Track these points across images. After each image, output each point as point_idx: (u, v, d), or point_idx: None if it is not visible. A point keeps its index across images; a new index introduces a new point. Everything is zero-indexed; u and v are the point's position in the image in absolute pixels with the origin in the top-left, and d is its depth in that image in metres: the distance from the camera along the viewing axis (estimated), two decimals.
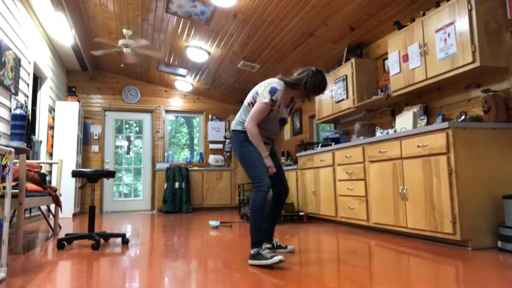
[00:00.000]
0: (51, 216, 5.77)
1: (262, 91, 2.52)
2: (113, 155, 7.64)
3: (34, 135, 5.32)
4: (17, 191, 2.91)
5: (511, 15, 2.99)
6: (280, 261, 2.20)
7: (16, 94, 4.14)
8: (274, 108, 2.53)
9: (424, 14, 3.55)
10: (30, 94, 4.74)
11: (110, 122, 7.68)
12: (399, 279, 1.91)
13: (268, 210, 2.75)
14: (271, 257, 2.23)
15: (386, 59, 4.39)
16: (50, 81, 5.85)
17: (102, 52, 5.60)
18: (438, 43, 3.24)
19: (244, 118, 2.59)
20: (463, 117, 3.14)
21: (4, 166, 2.11)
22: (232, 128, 2.66)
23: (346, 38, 4.63)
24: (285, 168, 5.96)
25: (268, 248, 2.71)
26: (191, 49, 5.70)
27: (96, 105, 7.53)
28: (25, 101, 4.56)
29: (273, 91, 2.47)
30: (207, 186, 7.40)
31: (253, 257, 2.31)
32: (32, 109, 4.99)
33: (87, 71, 7.29)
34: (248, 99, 2.61)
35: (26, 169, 3.02)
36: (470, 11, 2.95)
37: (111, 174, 3.21)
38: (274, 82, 2.54)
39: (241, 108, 2.67)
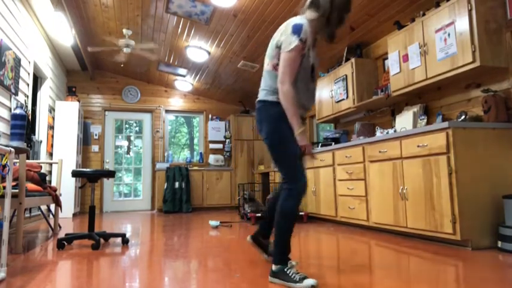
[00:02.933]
0: (51, 216, 5.77)
1: (284, 38, 1.94)
2: (113, 154, 7.64)
3: (34, 135, 5.32)
4: (17, 190, 2.91)
5: (511, 15, 2.99)
6: (313, 287, 1.74)
7: (16, 94, 4.14)
8: (306, 51, 1.96)
9: (424, 14, 3.55)
10: (30, 94, 4.74)
11: (109, 121, 7.68)
12: (399, 279, 1.91)
13: (272, 202, 2.27)
14: (301, 280, 1.77)
15: (386, 59, 4.39)
16: (50, 81, 5.85)
17: (99, 49, 5.56)
18: (438, 43, 3.24)
19: (275, 85, 1.97)
20: (463, 117, 3.14)
21: (4, 166, 2.11)
22: (260, 98, 2.04)
23: (346, 38, 4.63)
24: None
25: (258, 243, 2.34)
26: (191, 49, 5.70)
27: (96, 105, 7.53)
28: (25, 100, 4.56)
29: (297, 29, 1.91)
30: (207, 186, 7.40)
31: (276, 274, 1.89)
32: (32, 109, 4.99)
33: (87, 71, 7.29)
34: (270, 60, 2.03)
35: (26, 169, 3.02)
36: (470, 11, 2.95)
37: (111, 174, 3.21)
38: (293, 20, 1.98)
39: (264, 74, 2.07)
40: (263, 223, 2.34)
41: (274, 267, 1.91)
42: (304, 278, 1.77)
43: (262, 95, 2.04)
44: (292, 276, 1.80)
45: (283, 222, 1.93)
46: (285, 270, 1.85)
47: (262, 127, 2.01)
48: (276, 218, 1.94)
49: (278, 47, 1.97)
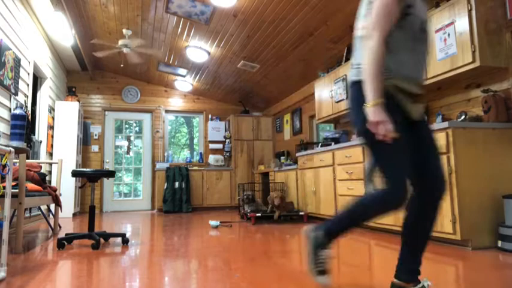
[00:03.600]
0: (51, 215, 5.77)
1: None
2: (113, 154, 7.64)
3: (34, 135, 5.32)
4: (17, 190, 2.91)
5: (511, 15, 2.99)
6: (325, 286, 1.64)
7: (16, 94, 4.14)
8: (409, 1, 1.47)
9: None
10: (30, 94, 4.74)
11: (109, 121, 7.68)
12: None
13: (408, 222, 1.58)
14: (320, 273, 1.62)
15: None
16: (50, 81, 5.85)
17: (105, 53, 5.59)
18: (438, 43, 3.25)
19: None
20: (463, 117, 3.15)
21: (4, 166, 2.11)
22: (352, 78, 1.59)
23: (346, 38, 4.63)
24: (284, 168, 5.95)
25: None
26: (191, 49, 5.71)
27: (96, 105, 7.53)
28: (25, 101, 4.56)
29: None
30: (207, 186, 7.40)
31: (312, 239, 1.68)
32: (31, 109, 4.99)
33: (87, 71, 7.29)
34: (362, 21, 1.55)
35: (25, 169, 3.02)
36: (470, 11, 2.95)
37: (111, 174, 3.21)
38: None
39: (356, 44, 1.61)
40: (402, 257, 1.59)
41: (317, 231, 1.67)
42: (324, 272, 1.61)
43: (353, 74, 1.58)
44: (318, 260, 1.62)
45: (358, 214, 1.57)
46: (321, 248, 1.64)
47: (356, 116, 1.54)
48: (352, 205, 1.59)
49: (371, 1, 1.49)
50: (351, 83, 1.59)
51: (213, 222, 4.50)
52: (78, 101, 6.67)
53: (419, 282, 1.54)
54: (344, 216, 1.61)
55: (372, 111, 1.40)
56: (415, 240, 1.56)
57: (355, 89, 1.55)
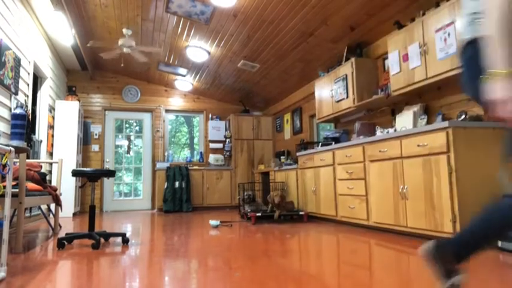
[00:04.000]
0: (51, 215, 5.77)
1: None
2: (113, 154, 7.64)
3: (34, 134, 5.32)
4: (17, 190, 2.91)
5: None
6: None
7: (16, 94, 4.14)
8: None
9: (424, 14, 3.55)
10: (30, 94, 4.74)
11: (110, 121, 7.68)
12: (399, 279, 1.91)
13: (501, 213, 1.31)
14: None
15: (386, 58, 4.39)
16: (50, 80, 5.85)
17: (111, 55, 5.57)
18: (438, 43, 3.25)
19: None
20: (463, 116, 3.15)
21: (4, 165, 2.11)
22: (466, 36, 1.19)
23: (346, 37, 4.62)
24: (284, 167, 5.95)
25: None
26: (191, 49, 5.71)
27: (96, 104, 7.53)
28: (25, 100, 4.56)
29: None
30: (207, 186, 7.40)
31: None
32: (32, 109, 4.99)
33: (87, 71, 7.29)
34: None
35: (26, 168, 3.02)
36: None
37: (111, 174, 3.21)
38: None
39: None
40: (460, 239, 1.32)
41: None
42: None
43: (468, 31, 1.17)
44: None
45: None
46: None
47: (470, 88, 1.18)
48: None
49: None
50: (465, 43, 1.17)
51: (213, 222, 4.50)
52: (79, 100, 6.67)
53: (459, 271, 1.32)
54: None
55: (500, 83, 1.03)
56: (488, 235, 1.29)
57: (473, 52, 1.12)
